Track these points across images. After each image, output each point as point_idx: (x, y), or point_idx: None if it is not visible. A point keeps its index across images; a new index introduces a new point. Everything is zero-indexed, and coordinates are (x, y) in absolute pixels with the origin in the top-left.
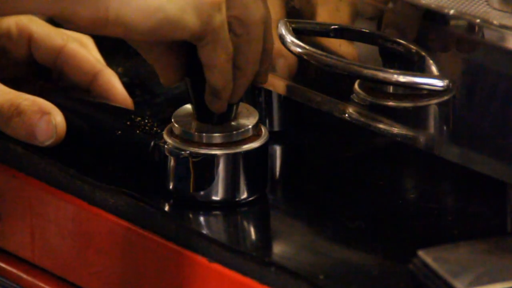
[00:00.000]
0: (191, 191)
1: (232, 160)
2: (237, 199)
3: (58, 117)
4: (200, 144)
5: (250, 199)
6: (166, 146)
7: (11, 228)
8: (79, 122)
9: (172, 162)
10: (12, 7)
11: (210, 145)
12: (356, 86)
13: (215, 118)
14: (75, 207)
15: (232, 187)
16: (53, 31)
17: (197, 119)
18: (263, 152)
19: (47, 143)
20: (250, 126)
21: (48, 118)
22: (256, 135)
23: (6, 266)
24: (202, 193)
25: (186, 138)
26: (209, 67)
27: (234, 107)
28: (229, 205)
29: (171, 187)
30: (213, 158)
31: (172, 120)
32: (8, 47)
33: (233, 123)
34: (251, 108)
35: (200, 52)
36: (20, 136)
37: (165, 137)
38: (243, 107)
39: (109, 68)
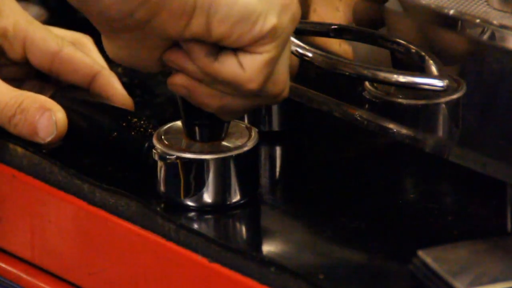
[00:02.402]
0: (181, 195)
1: (222, 164)
2: (228, 203)
3: (59, 114)
4: (189, 149)
5: (243, 201)
6: (154, 151)
7: (11, 228)
8: (78, 122)
9: (162, 166)
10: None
11: (200, 149)
12: (367, 83)
13: (206, 137)
14: (75, 207)
15: (222, 190)
16: (49, 35)
17: (187, 136)
18: (254, 155)
19: (48, 139)
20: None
21: (48, 114)
22: (247, 138)
23: (6, 266)
24: (192, 197)
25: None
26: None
27: (225, 126)
28: (219, 209)
29: (162, 191)
30: (203, 163)
31: (162, 137)
32: (4, 47)
33: (223, 142)
34: (243, 128)
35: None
36: (23, 134)
37: (154, 141)
38: (237, 127)
39: (108, 68)
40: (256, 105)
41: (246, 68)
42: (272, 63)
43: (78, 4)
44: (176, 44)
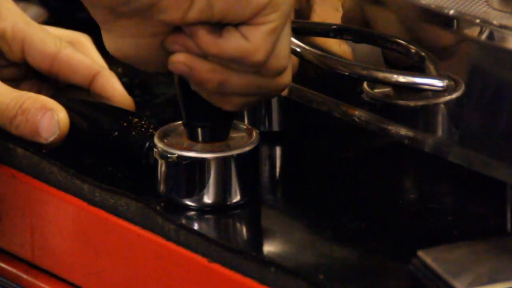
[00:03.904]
0: (181, 195)
1: (222, 164)
2: (228, 203)
3: (60, 113)
4: (191, 148)
5: (243, 201)
6: (155, 150)
7: (11, 228)
8: (79, 122)
9: (163, 166)
10: None
11: (201, 149)
12: (365, 85)
13: (207, 138)
14: (75, 207)
15: (223, 190)
16: (48, 36)
17: (189, 138)
18: (255, 155)
19: (51, 139)
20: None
21: (50, 114)
22: (247, 138)
23: (6, 266)
24: (192, 197)
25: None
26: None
27: (227, 128)
28: (219, 210)
29: (162, 191)
30: (204, 162)
31: (163, 136)
32: (3, 49)
33: (224, 145)
34: (244, 129)
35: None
36: (25, 134)
37: (156, 140)
38: (238, 128)
39: (107, 68)
40: (257, 85)
41: (251, 39)
42: (276, 33)
43: None
44: (176, 29)
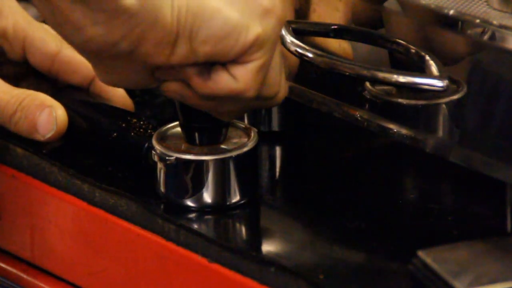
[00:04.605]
0: (181, 196)
1: (221, 165)
2: (228, 203)
3: (59, 110)
4: (189, 150)
5: (243, 201)
6: (153, 152)
7: (11, 228)
8: (78, 122)
9: (162, 168)
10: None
11: (199, 150)
12: (367, 83)
13: (205, 141)
14: (75, 207)
15: (222, 191)
16: (48, 36)
17: (187, 141)
18: (253, 155)
19: (48, 135)
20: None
21: (49, 110)
22: (246, 138)
23: (6, 266)
24: (192, 198)
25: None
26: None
27: (224, 130)
28: (219, 210)
29: (162, 191)
30: (202, 164)
31: (162, 138)
32: (4, 47)
33: (222, 145)
34: (243, 128)
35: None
36: (23, 131)
37: (154, 142)
38: (237, 127)
39: None
40: (250, 106)
41: (239, 79)
42: (263, 69)
43: (61, 33)
44: None
